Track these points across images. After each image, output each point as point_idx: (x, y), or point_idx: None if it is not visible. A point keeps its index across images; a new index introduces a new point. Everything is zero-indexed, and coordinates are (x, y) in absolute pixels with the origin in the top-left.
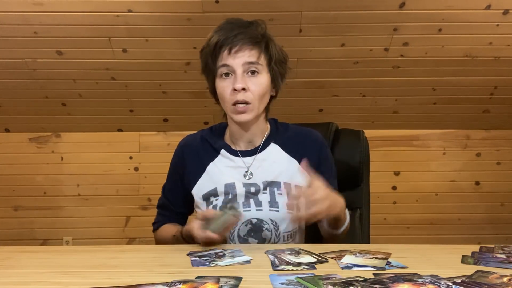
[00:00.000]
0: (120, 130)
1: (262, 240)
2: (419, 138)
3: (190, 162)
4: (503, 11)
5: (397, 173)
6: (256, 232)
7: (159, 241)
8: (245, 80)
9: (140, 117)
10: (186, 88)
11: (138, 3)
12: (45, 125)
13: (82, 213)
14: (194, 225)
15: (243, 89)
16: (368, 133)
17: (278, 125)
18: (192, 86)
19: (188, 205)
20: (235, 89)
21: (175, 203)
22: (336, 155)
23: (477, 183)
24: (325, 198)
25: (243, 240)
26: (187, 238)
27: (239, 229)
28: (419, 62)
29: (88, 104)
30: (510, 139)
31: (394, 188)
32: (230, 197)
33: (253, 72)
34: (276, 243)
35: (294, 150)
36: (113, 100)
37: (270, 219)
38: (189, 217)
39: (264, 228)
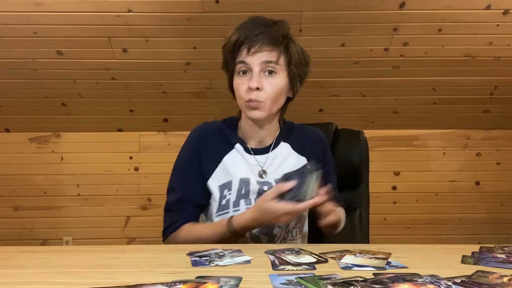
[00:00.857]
0: (120, 130)
1: (273, 237)
2: (419, 138)
3: (206, 150)
4: (503, 11)
5: (397, 173)
6: (268, 229)
7: (182, 242)
8: (261, 79)
9: (140, 117)
10: (186, 88)
11: (138, 3)
12: (45, 125)
13: (82, 213)
14: (277, 205)
15: (258, 88)
16: (368, 133)
17: (286, 124)
18: (192, 86)
19: (207, 197)
20: (250, 88)
21: (194, 193)
22: (336, 155)
23: (477, 183)
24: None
25: (255, 237)
26: (242, 229)
27: None
28: (419, 62)
29: (88, 104)
30: (510, 139)
31: (394, 188)
32: (243, 192)
33: (270, 72)
34: (285, 238)
35: (302, 148)
36: (113, 100)
37: None
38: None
39: (275, 225)
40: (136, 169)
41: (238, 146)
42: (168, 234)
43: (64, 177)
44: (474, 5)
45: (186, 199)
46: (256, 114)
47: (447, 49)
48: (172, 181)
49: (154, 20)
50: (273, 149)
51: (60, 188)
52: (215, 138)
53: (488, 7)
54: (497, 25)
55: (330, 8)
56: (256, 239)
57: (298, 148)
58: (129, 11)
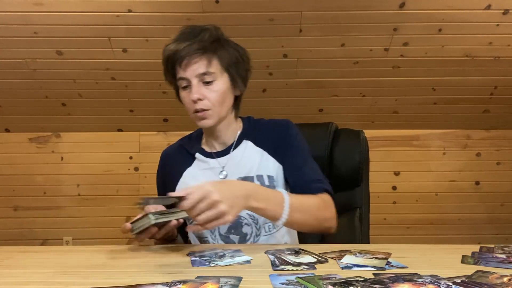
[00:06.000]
0: (120, 130)
1: (244, 235)
2: (419, 138)
3: (169, 170)
4: (503, 11)
5: (397, 173)
6: (236, 228)
7: None
8: (200, 89)
9: (140, 117)
10: None
11: (138, 3)
12: (45, 125)
13: (82, 213)
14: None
15: (199, 99)
16: (368, 133)
17: (252, 122)
18: None
19: None
20: (192, 100)
21: None
22: (335, 155)
23: (477, 183)
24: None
25: (224, 237)
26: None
27: (219, 227)
28: (419, 62)
29: (88, 104)
30: (510, 139)
31: (394, 188)
32: None
33: (207, 82)
34: (258, 235)
35: (264, 142)
36: (113, 100)
37: (248, 214)
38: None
39: (243, 224)
40: (136, 169)
41: (198, 155)
42: None
43: (64, 177)
44: (474, 5)
45: None
46: (206, 122)
47: (447, 49)
48: None
49: (154, 20)
50: (234, 148)
51: (60, 188)
52: (177, 156)
53: (488, 7)
54: (497, 25)
55: (330, 8)
56: (226, 239)
57: (261, 143)
58: (129, 11)
